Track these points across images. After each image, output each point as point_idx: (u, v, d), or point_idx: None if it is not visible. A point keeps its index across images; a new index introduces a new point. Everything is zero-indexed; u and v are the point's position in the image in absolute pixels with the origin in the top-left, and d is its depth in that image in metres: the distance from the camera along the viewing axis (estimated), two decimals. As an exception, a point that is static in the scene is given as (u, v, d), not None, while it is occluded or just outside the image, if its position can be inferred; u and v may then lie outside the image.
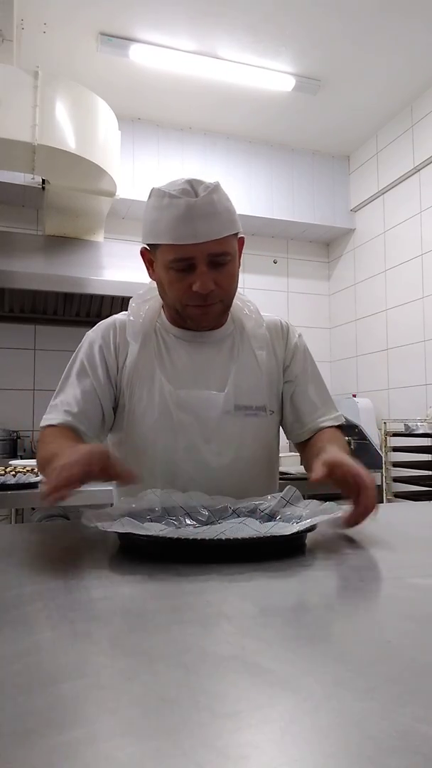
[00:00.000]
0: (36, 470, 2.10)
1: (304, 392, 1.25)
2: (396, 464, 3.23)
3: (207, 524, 0.91)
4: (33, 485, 2.06)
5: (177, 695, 0.38)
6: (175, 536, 0.73)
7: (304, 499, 0.95)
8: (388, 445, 3.25)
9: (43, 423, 1.15)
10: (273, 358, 1.25)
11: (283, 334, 1.29)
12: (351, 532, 0.89)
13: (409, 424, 3.10)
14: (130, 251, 3.30)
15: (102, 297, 3.10)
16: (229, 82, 3.23)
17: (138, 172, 3.58)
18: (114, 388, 1.18)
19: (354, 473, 0.90)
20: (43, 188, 3.10)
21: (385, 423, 3.30)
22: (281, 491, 0.97)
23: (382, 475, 3.23)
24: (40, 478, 2.08)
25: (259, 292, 4.08)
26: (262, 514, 0.93)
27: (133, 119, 3.61)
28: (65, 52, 2.99)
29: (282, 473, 2.53)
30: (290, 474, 2.53)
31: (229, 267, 1.12)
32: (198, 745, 0.32)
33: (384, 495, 3.19)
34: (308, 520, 0.81)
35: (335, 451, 1.00)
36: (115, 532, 0.77)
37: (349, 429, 3.54)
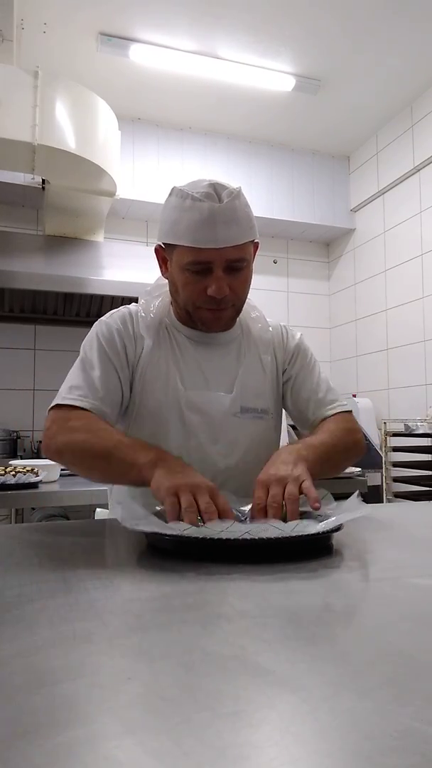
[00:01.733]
0: (36, 470, 2.10)
1: (302, 387, 1.26)
2: (396, 464, 3.23)
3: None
4: (33, 485, 2.06)
5: (177, 695, 0.38)
6: (200, 536, 0.73)
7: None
8: (388, 445, 3.25)
9: (64, 401, 1.07)
10: (274, 362, 1.27)
11: (283, 338, 1.31)
12: (351, 531, 0.89)
13: (409, 424, 3.10)
14: (130, 251, 3.31)
15: (102, 297, 3.11)
16: (229, 82, 3.23)
17: (138, 172, 3.58)
18: (131, 375, 1.16)
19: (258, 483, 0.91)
20: (43, 188, 3.10)
21: (385, 423, 3.30)
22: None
23: (382, 475, 3.23)
24: (40, 478, 2.08)
25: (259, 292, 4.07)
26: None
27: (133, 119, 3.61)
28: (65, 52, 2.99)
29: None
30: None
31: (245, 272, 1.13)
32: (198, 745, 0.32)
33: (384, 495, 3.19)
34: (333, 519, 0.80)
35: (269, 465, 0.98)
36: (142, 531, 0.78)
37: (349, 429, 3.53)
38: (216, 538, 0.73)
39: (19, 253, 3.02)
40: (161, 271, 1.19)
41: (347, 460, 1.19)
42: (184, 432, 1.14)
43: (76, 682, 0.40)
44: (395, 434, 3.23)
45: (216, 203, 1.05)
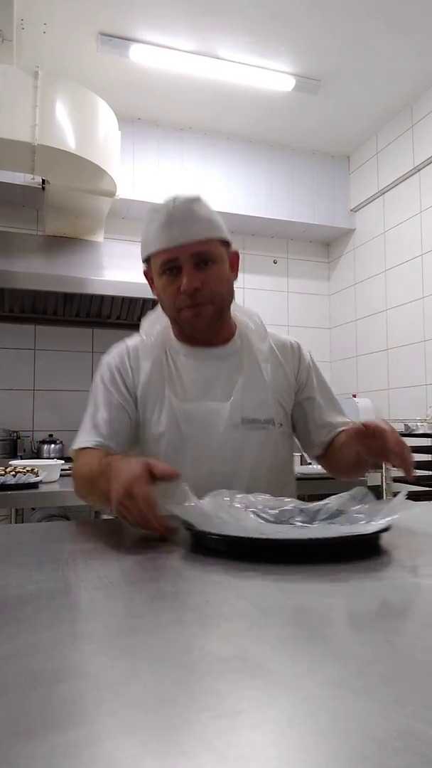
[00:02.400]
0: (36, 470, 2.11)
1: (321, 413, 1.29)
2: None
3: (278, 523, 0.90)
4: (33, 485, 2.06)
5: (177, 695, 0.38)
6: (249, 535, 0.73)
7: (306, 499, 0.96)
8: (388, 445, 3.25)
9: (75, 446, 1.18)
10: (281, 374, 1.27)
11: (295, 355, 1.32)
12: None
13: (409, 424, 3.10)
14: (130, 251, 3.30)
15: (102, 297, 3.10)
16: (229, 82, 3.23)
17: (138, 172, 3.58)
18: (135, 404, 1.22)
19: (375, 425, 1.01)
20: (43, 188, 3.10)
21: (385, 423, 3.29)
22: (350, 491, 0.96)
23: (382, 475, 3.23)
24: (40, 478, 2.09)
25: (259, 292, 4.08)
26: (332, 511, 0.92)
27: (133, 119, 3.61)
28: (65, 52, 2.99)
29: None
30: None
31: (216, 269, 1.16)
32: (198, 745, 0.32)
33: (384, 495, 3.19)
34: (387, 518, 0.79)
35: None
36: (189, 530, 0.79)
37: (349, 429, 3.53)
38: (265, 538, 0.72)
39: (19, 253, 3.02)
40: (152, 291, 1.25)
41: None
42: (182, 445, 1.16)
43: (76, 682, 0.40)
44: (395, 434, 3.22)
45: (171, 204, 1.13)
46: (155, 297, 1.24)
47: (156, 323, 1.28)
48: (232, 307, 1.26)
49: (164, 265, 1.14)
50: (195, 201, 1.15)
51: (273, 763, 0.31)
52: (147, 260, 1.21)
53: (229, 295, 1.22)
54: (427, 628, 0.52)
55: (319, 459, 1.34)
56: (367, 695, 0.38)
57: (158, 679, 0.41)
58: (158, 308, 1.27)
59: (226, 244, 1.19)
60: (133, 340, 1.28)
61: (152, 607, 0.57)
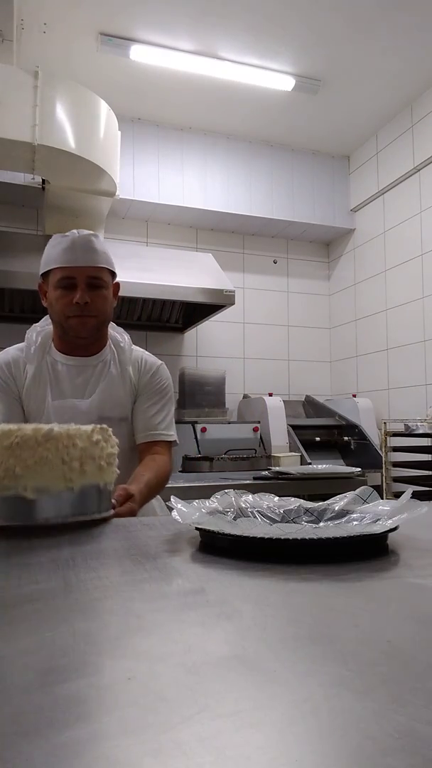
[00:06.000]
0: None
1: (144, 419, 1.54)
2: (396, 464, 3.23)
3: (285, 523, 0.91)
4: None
5: (177, 695, 0.38)
6: (260, 536, 0.73)
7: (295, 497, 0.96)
8: (388, 445, 3.25)
9: None
10: (129, 380, 1.54)
11: (145, 369, 1.56)
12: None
13: (409, 424, 3.10)
14: (130, 251, 3.31)
15: (102, 297, 3.10)
16: (229, 82, 3.23)
17: (138, 172, 3.58)
18: (20, 400, 1.49)
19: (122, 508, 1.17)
20: (43, 188, 3.10)
21: (385, 423, 3.30)
22: (354, 490, 0.97)
23: (382, 475, 3.23)
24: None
25: (259, 292, 4.08)
26: (338, 510, 0.92)
27: (133, 119, 3.61)
28: (65, 52, 2.99)
29: (281, 473, 2.53)
30: (290, 474, 2.53)
31: (103, 292, 1.46)
32: (198, 745, 0.32)
33: (384, 495, 3.19)
34: (395, 518, 0.79)
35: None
36: (198, 529, 0.79)
37: (349, 429, 3.53)
38: (276, 538, 0.72)
39: (19, 253, 3.02)
40: (42, 302, 1.52)
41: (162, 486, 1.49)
42: None
43: (76, 682, 0.40)
44: (395, 434, 3.22)
45: (76, 234, 1.42)
46: (45, 306, 1.51)
47: (39, 332, 1.55)
48: (109, 326, 1.56)
49: (62, 281, 1.42)
50: (93, 236, 1.45)
51: (273, 763, 0.31)
52: (45, 275, 1.47)
53: (109, 315, 1.52)
54: (427, 627, 0.52)
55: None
56: (367, 695, 0.38)
57: (158, 679, 0.41)
58: (43, 320, 1.56)
59: (113, 275, 1.50)
60: (14, 350, 1.55)
61: (152, 607, 0.57)
